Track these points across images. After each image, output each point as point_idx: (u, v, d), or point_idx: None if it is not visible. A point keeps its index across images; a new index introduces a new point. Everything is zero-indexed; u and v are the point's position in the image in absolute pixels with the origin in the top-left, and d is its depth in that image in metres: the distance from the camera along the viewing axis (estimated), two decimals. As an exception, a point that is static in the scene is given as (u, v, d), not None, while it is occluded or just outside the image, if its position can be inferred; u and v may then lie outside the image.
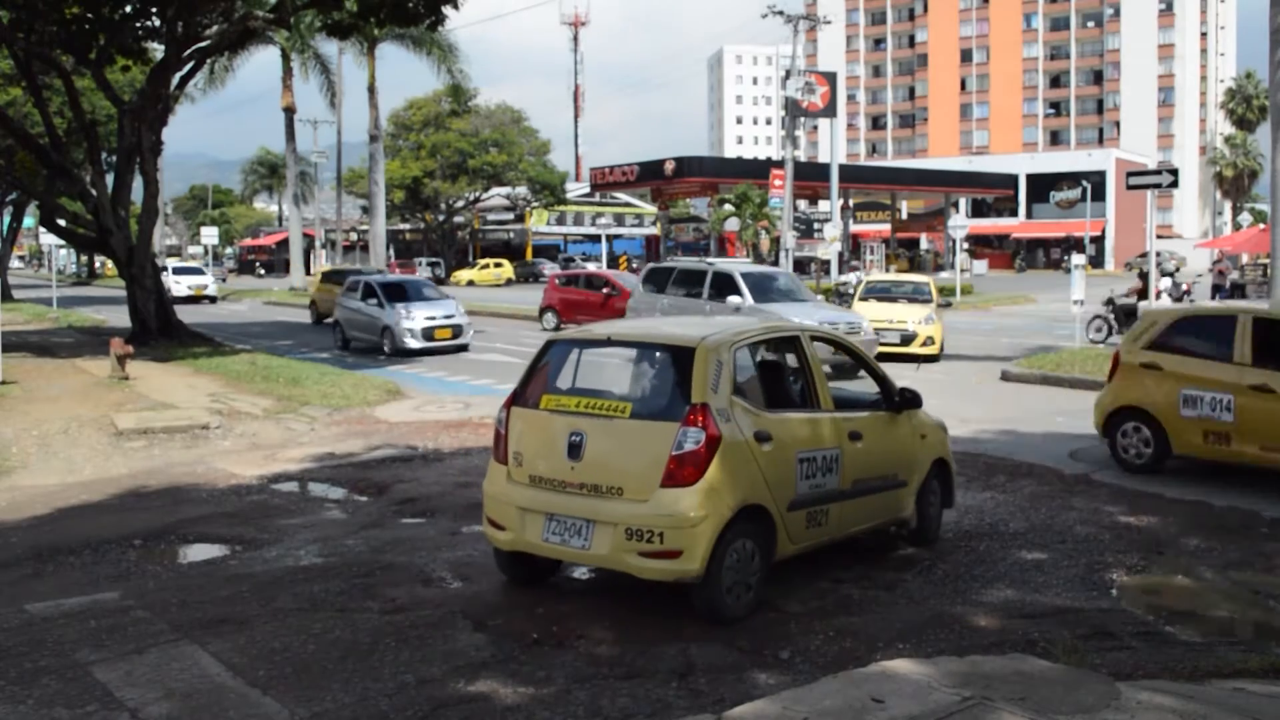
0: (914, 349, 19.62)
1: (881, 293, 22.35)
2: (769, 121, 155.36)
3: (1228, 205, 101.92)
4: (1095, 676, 4.83)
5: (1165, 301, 22.41)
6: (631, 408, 6.09)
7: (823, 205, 62.00)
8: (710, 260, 21.80)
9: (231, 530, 8.25)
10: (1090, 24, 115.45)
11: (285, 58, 47.24)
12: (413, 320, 21.56)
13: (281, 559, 7.40)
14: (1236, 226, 60.83)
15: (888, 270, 52.42)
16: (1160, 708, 4.39)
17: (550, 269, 55.24)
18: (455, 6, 20.07)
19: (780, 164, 43.57)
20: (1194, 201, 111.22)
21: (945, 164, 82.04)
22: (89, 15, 20.27)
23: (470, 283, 58.76)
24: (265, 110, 63.19)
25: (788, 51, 49.04)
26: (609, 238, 78.11)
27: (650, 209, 73.67)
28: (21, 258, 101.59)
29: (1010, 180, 77.32)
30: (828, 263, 42.63)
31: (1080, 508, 8.64)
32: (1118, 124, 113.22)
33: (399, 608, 6.22)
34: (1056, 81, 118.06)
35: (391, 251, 59.16)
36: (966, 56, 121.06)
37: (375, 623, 5.96)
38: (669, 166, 55.53)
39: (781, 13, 41.64)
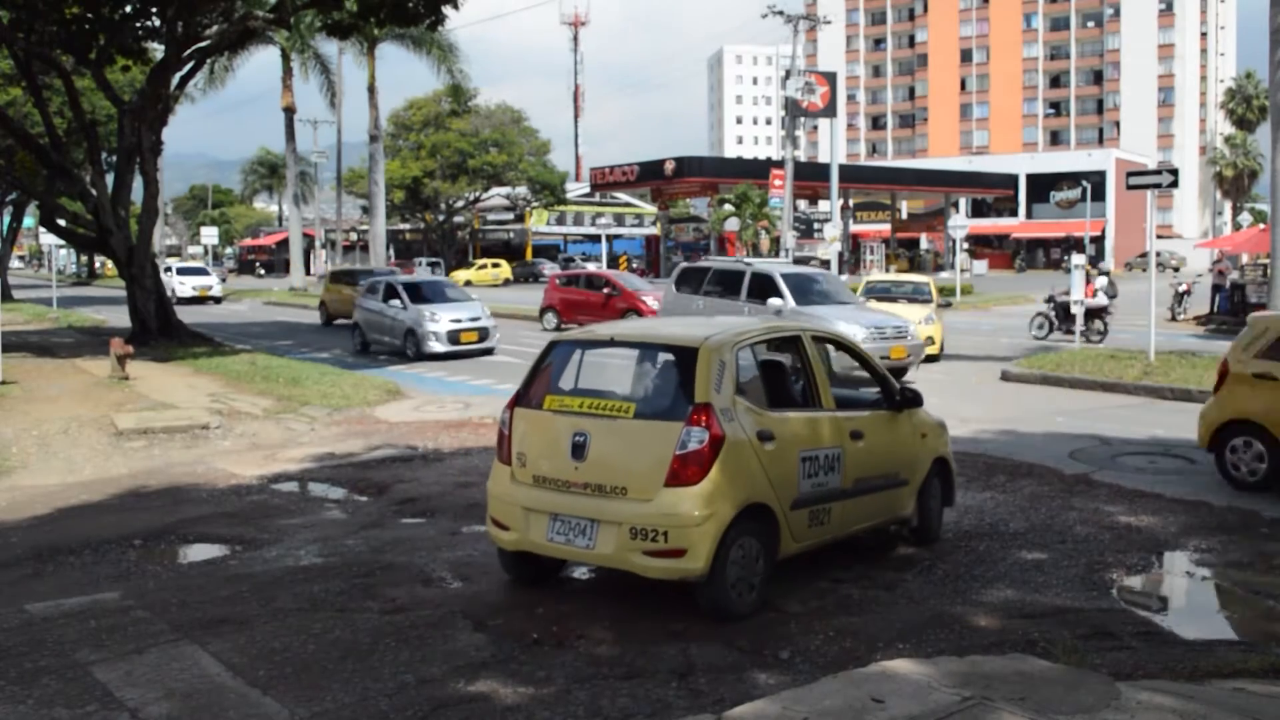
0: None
1: (881, 293, 22.35)
2: (769, 121, 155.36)
3: (1228, 205, 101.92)
4: (1095, 676, 4.83)
5: (1101, 300, 23.00)
6: (635, 408, 6.12)
7: (823, 205, 62.07)
8: (748, 260, 20.65)
9: (231, 530, 8.25)
10: (1090, 24, 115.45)
11: (285, 58, 47.24)
12: (437, 323, 20.83)
13: (281, 559, 7.40)
14: (1236, 226, 60.78)
15: (888, 270, 52.42)
16: (1160, 708, 4.39)
17: (550, 269, 55.25)
18: (455, 6, 20.08)
19: (780, 164, 43.59)
20: (1194, 201, 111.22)
21: (945, 164, 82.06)
22: (89, 15, 20.28)
23: (468, 283, 58.68)
24: (265, 110, 63.37)
25: (788, 51, 49.06)
26: (609, 238, 78.13)
27: (650, 209, 73.68)
28: (21, 258, 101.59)
29: (1010, 180, 77.37)
30: (827, 263, 42.62)
31: (1080, 508, 8.64)
32: (1118, 124, 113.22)
33: (399, 608, 6.22)
34: (1056, 81, 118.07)
35: (391, 251, 59.16)
36: (966, 56, 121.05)
37: (375, 623, 5.96)
38: (669, 166, 55.55)
39: (781, 13, 41.66)
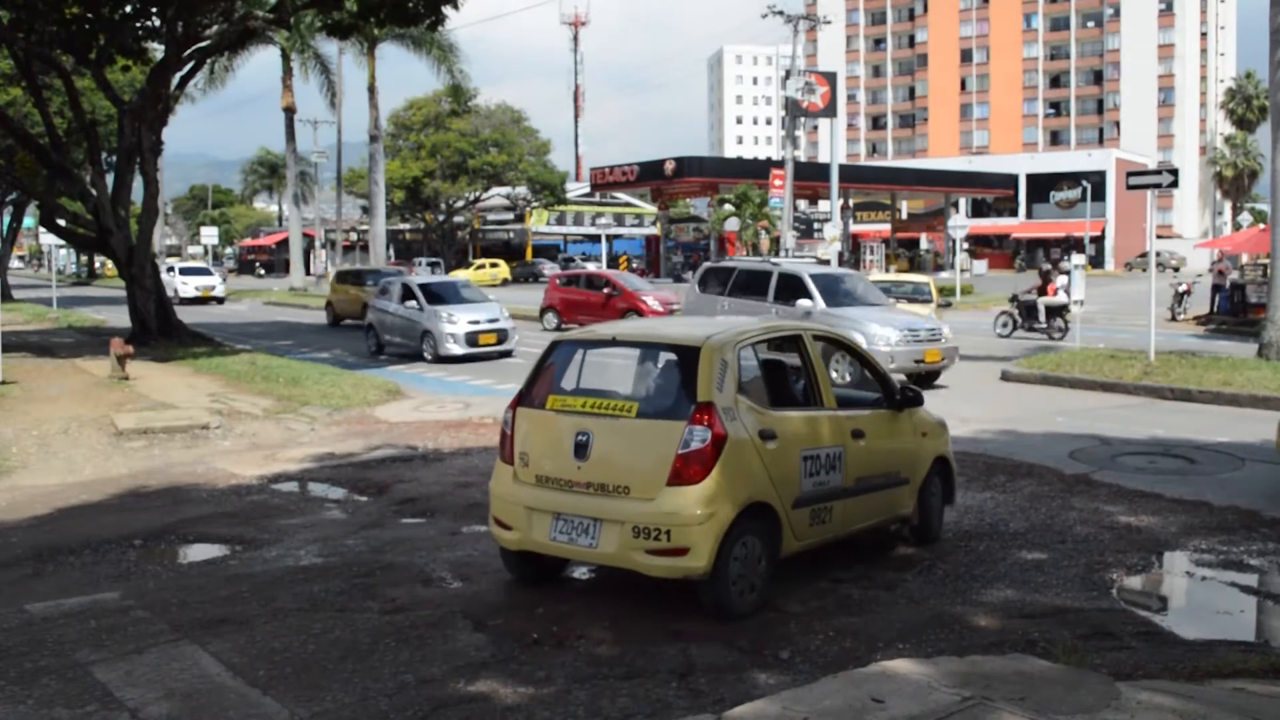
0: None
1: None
2: (769, 121, 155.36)
3: (1228, 205, 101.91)
4: (1095, 676, 4.83)
5: (1061, 298, 23.62)
6: (637, 407, 6.13)
7: (823, 205, 62.06)
8: (775, 260, 19.87)
9: (231, 530, 8.25)
10: (1090, 24, 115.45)
11: (285, 58, 47.24)
12: (455, 324, 20.27)
13: (281, 559, 7.40)
14: (1236, 226, 60.79)
15: (887, 270, 52.42)
16: (1160, 708, 4.39)
17: (550, 269, 55.24)
18: (455, 6, 20.08)
19: (780, 164, 43.59)
20: (1194, 201, 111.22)
21: (945, 164, 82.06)
22: (89, 15, 20.28)
23: (465, 283, 58.64)
24: (265, 110, 63.36)
25: (788, 51, 49.06)
26: (609, 238, 78.13)
27: (650, 209, 73.68)
28: (21, 258, 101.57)
29: (1010, 180, 77.36)
30: (827, 263, 42.58)
31: (1080, 508, 8.64)
32: (1118, 124, 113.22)
33: (399, 608, 6.22)
34: (1056, 81, 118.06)
35: (391, 251, 59.18)
36: (966, 56, 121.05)
37: (375, 623, 5.96)
38: (669, 166, 55.54)
39: (781, 13, 41.67)
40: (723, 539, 5.79)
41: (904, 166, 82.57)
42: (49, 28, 20.47)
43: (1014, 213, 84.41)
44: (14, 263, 71.62)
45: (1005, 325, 24.77)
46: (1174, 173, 17.90)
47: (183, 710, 4.81)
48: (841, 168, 47.90)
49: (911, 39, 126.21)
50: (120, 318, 25.67)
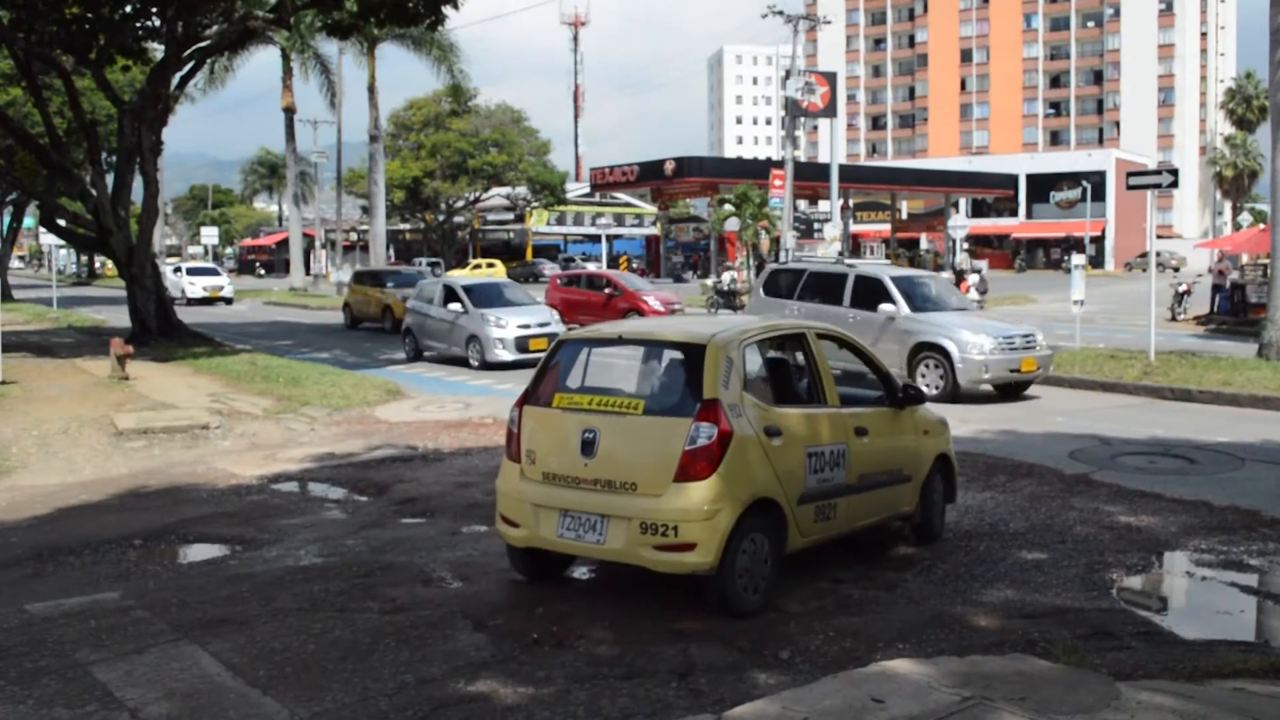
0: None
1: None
2: (769, 121, 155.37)
3: (1228, 205, 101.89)
4: (1095, 676, 4.83)
5: (973, 295, 24.75)
6: (644, 405, 6.16)
7: (823, 205, 62.02)
8: (850, 261, 18.64)
9: (231, 530, 8.25)
10: (1090, 24, 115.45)
11: (285, 58, 47.24)
12: (504, 329, 19.10)
13: (281, 559, 7.40)
14: (1236, 226, 60.75)
15: (888, 270, 52.23)
16: (1160, 708, 4.39)
17: (550, 269, 55.24)
18: (455, 6, 20.09)
19: (780, 164, 43.57)
20: (1194, 201, 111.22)
21: (945, 164, 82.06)
22: (89, 15, 20.28)
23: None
24: (265, 110, 63.24)
25: (788, 51, 49.06)
26: (609, 238, 78.15)
27: (650, 209, 73.69)
28: (21, 258, 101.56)
29: (1010, 180, 77.34)
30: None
31: (1080, 508, 8.64)
32: (1118, 124, 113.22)
33: (399, 608, 6.22)
34: (1056, 81, 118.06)
35: (391, 251, 59.15)
36: (966, 56, 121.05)
37: (375, 623, 5.96)
38: (669, 166, 55.55)
39: (781, 13, 41.65)
40: (729, 535, 5.83)
41: (904, 166, 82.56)
42: (49, 28, 20.47)
43: (1014, 213, 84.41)
44: (14, 263, 71.60)
45: None
46: (1174, 173, 17.90)
47: (183, 710, 4.81)
48: (841, 168, 47.90)
49: (911, 39, 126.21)
50: (120, 318, 25.68)
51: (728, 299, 32.04)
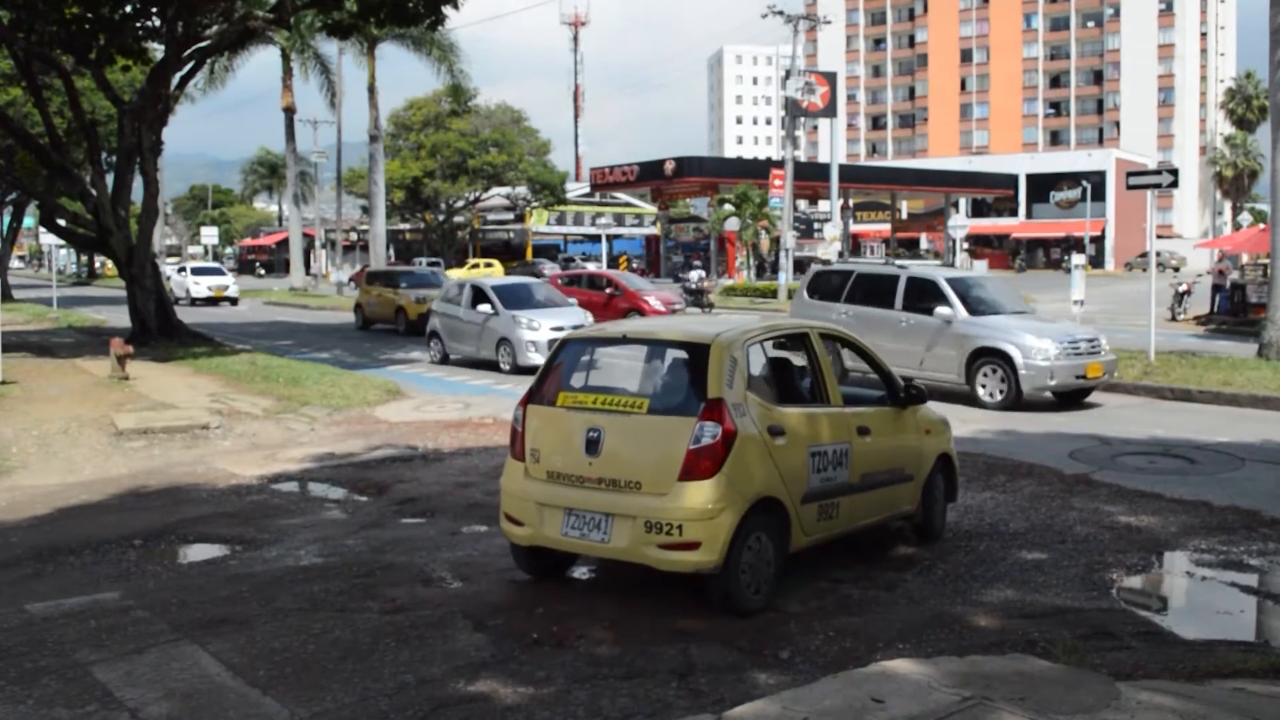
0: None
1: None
2: (769, 121, 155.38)
3: (1228, 205, 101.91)
4: (1095, 676, 4.83)
5: None
6: (648, 404, 6.18)
7: (823, 205, 62.08)
8: (901, 263, 17.92)
9: (231, 530, 8.25)
10: (1090, 24, 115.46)
11: (285, 58, 47.25)
12: (537, 331, 18.32)
13: (281, 559, 7.40)
14: (1236, 226, 60.78)
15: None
16: (1160, 708, 4.39)
17: (550, 269, 55.21)
18: (455, 6, 20.09)
19: (780, 164, 43.58)
20: (1194, 201, 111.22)
21: (945, 164, 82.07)
22: (89, 15, 20.28)
23: (459, 283, 58.46)
24: (265, 110, 63.20)
25: (788, 51, 49.06)
26: (609, 238, 78.13)
27: (650, 209, 73.69)
28: (21, 258, 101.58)
29: (1010, 180, 77.36)
30: (828, 263, 42.53)
31: (1080, 508, 8.64)
32: (1118, 124, 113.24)
33: (399, 608, 6.22)
34: (1056, 81, 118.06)
35: (392, 251, 59.14)
36: (966, 56, 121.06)
37: (375, 623, 5.96)
38: (669, 166, 55.56)
39: (781, 13, 41.65)
40: (733, 534, 5.85)
41: (904, 166, 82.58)
42: (49, 28, 20.47)
43: (1014, 213, 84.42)
44: (14, 263, 71.62)
45: None
46: (1174, 173, 17.90)
47: (183, 710, 4.81)
48: (841, 168, 47.91)
49: (911, 39, 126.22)
50: (120, 318, 25.68)
51: (696, 297, 32.09)
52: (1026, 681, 4.68)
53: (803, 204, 60.62)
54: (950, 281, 15.39)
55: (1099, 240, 77.98)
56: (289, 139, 51.76)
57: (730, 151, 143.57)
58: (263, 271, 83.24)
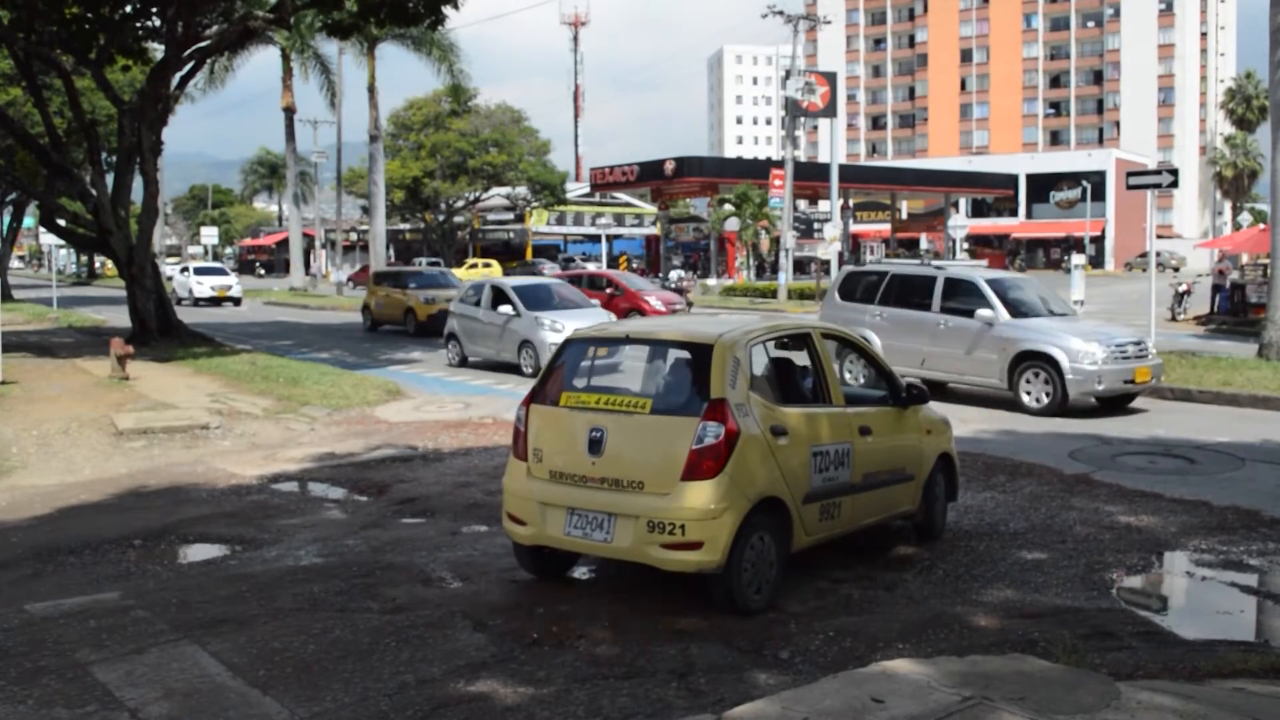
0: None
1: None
2: (769, 121, 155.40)
3: (1228, 205, 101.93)
4: (1095, 676, 4.83)
5: None
6: (651, 404, 6.19)
7: (823, 205, 62.05)
8: (938, 263, 17.17)
9: (231, 530, 8.25)
10: (1090, 24, 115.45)
11: (285, 58, 47.27)
12: (561, 333, 16.99)
13: (281, 559, 7.40)
14: (1236, 226, 60.79)
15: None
16: (1160, 708, 4.39)
17: (550, 269, 55.20)
18: (455, 6, 20.10)
19: (780, 164, 43.59)
20: (1194, 201, 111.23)
21: (945, 164, 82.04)
22: (89, 15, 20.29)
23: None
24: (265, 110, 63.22)
25: (788, 51, 49.06)
26: (609, 238, 78.13)
27: (650, 209, 73.68)
28: (21, 258, 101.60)
29: (1010, 180, 77.30)
30: (827, 263, 42.61)
31: (1080, 508, 8.64)
32: (1118, 124, 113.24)
33: (399, 608, 6.22)
34: (1056, 81, 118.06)
35: (391, 251, 59.13)
36: (966, 56, 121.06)
37: (375, 623, 5.96)
38: (669, 166, 55.52)
39: (781, 13, 41.67)
40: (736, 534, 5.87)
41: (904, 166, 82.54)
42: (49, 28, 20.49)
43: (1014, 213, 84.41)
44: (14, 263, 71.66)
45: None
46: (1174, 173, 17.94)
47: (183, 710, 4.81)
48: (841, 168, 47.90)
49: (911, 39, 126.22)
50: (120, 318, 25.68)
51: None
52: (1026, 681, 4.68)
53: (803, 204, 60.61)
54: (990, 282, 14.81)
55: (1099, 240, 77.99)
56: (289, 139, 51.77)
57: (730, 151, 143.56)
58: (262, 271, 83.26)
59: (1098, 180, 77.24)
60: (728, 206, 50.47)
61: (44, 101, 23.16)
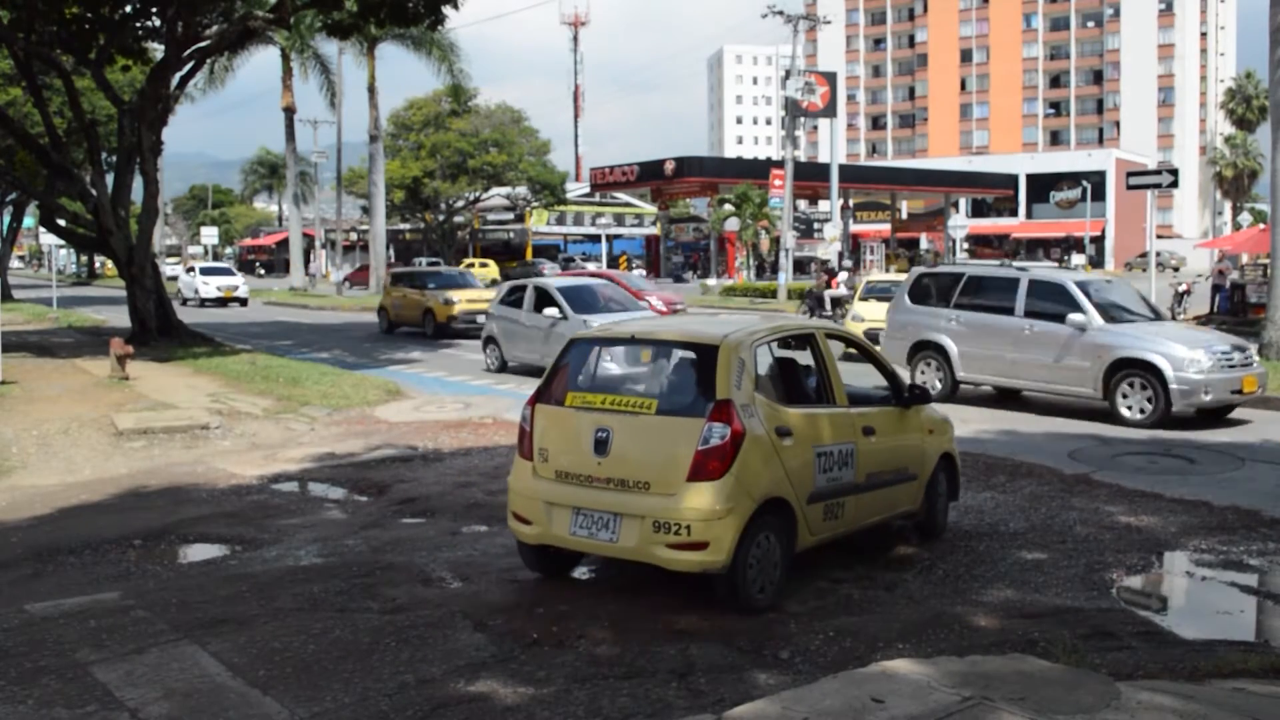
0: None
1: (882, 293, 22.36)
2: (769, 121, 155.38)
3: (1228, 205, 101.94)
4: (1095, 676, 4.83)
5: (843, 291, 28.04)
6: (657, 404, 6.20)
7: (823, 205, 62.07)
8: (1020, 264, 16.10)
9: (231, 530, 8.25)
10: (1090, 24, 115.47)
11: (285, 58, 47.28)
12: None
13: (281, 559, 7.40)
14: (1236, 226, 60.82)
15: (888, 270, 52.41)
16: (1160, 708, 4.39)
17: (550, 269, 55.20)
18: (455, 6, 20.11)
19: (780, 164, 43.58)
20: (1194, 201, 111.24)
21: (945, 164, 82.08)
22: (89, 15, 20.30)
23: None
24: (265, 110, 63.21)
25: (788, 51, 49.06)
26: (609, 238, 78.16)
27: (650, 209, 73.71)
28: (21, 258, 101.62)
29: (1010, 180, 77.35)
30: (827, 262, 42.58)
31: (1080, 508, 8.64)
32: (1118, 124, 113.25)
33: (399, 608, 6.22)
34: (1056, 81, 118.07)
35: (391, 251, 59.15)
36: (966, 56, 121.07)
37: (375, 623, 5.96)
38: (669, 166, 55.56)
39: (781, 13, 41.65)
40: (741, 534, 5.89)
41: (904, 166, 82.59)
42: (49, 28, 20.49)
43: (1014, 213, 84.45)
44: (14, 263, 71.66)
45: (804, 315, 27.59)
46: (1174, 173, 17.96)
47: (183, 710, 4.81)
48: (841, 168, 47.91)
49: (911, 39, 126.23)
50: (120, 318, 25.67)
51: None
52: (1026, 681, 4.68)
53: (803, 204, 60.64)
54: (1080, 284, 13.92)
55: (1099, 240, 78.04)
56: (289, 139, 51.78)
57: (730, 151, 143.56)
58: (262, 271, 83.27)
59: (1098, 180, 77.29)
60: (728, 206, 50.49)
61: (44, 101, 23.16)
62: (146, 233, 22.02)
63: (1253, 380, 13.03)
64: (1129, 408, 12.84)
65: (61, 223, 23.52)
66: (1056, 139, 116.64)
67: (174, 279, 44.15)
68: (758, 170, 52.62)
